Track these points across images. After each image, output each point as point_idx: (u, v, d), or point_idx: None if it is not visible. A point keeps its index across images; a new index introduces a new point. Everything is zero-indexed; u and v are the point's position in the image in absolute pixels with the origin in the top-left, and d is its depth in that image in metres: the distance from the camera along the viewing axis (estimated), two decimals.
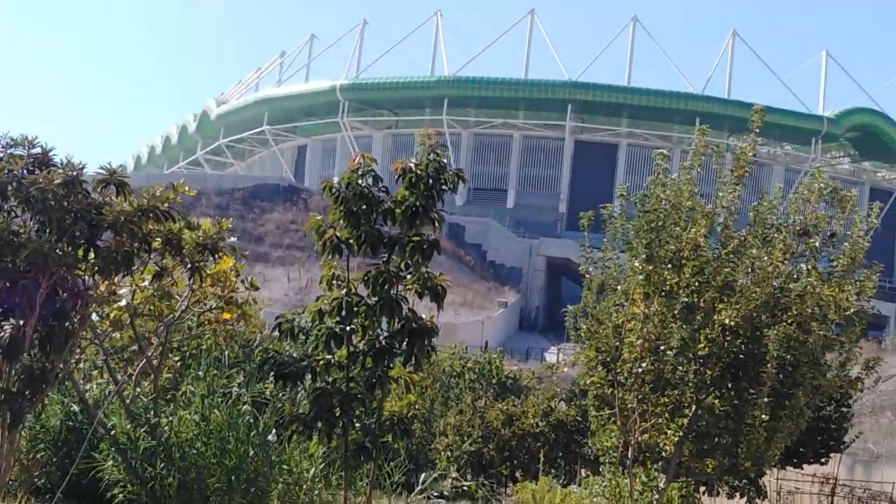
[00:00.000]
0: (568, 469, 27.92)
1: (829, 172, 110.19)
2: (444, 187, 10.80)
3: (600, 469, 18.13)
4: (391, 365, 10.86)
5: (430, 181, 10.68)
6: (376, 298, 10.61)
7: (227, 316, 15.43)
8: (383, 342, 10.74)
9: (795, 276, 14.16)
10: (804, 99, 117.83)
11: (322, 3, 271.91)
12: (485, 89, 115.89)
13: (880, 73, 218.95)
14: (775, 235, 14.14)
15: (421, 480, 16.33)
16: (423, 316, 10.85)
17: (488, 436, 28.08)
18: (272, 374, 11.05)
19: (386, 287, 10.59)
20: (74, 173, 10.08)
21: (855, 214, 14.61)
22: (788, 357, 13.41)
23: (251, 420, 13.85)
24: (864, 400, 48.17)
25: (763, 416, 13.38)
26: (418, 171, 10.66)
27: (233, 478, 13.43)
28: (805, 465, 26.06)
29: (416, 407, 11.63)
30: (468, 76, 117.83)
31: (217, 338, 16.48)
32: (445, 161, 10.88)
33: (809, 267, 14.19)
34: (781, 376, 13.41)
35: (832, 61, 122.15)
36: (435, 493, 19.04)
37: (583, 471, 26.02)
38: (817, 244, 14.32)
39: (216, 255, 13.31)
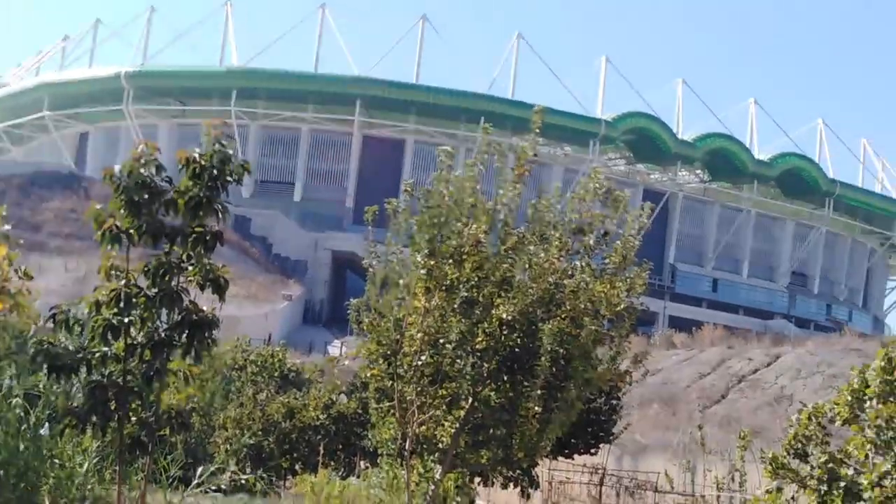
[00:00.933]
0: (348, 461, 28.09)
1: (606, 173, 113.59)
2: (228, 178, 10.73)
3: (378, 461, 18.35)
4: (170, 357, 10.74)
5: (215, 172, 10.61)
6: (156, 290, 10.48)
7: None
8: (162, 334, 10.61)
9: (570, 273, 14.63)
10: (584, 102, 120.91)
11: None
12: (274, 81, 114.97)
13: (656, 78, 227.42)
14: (552, 233, 14.57)
15: (198, 474, 16.18)
16: (205, 308, 10.78)
17: (269, 429, 27.98)
18: (45, 366, 10.77)
19: (166, 278, 10.47)
20: None
21: (627, 214, 15.21)
22: (561, 351, 13.85)
23: (22, 414, 13.47)
24: (633, 393, 49.98)
25: (536, 408, 13.78)
26: (202, 162, 10.57)
27: (1, 472, 13.04)
28: (576, 456, 26.88)
29: (195, 400, 11.56)
30: (257, 68, 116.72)
31: None
32: (231, 152, 10.82)
33: (583, 264, 14.69)
34: (554, 369, 13.84)
35: (611, 66, 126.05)
36: (213, 488, 18.87)
37: (362, 463, 26.23)
38: (591, 242, 14.84)
39: None
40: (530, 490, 25.97)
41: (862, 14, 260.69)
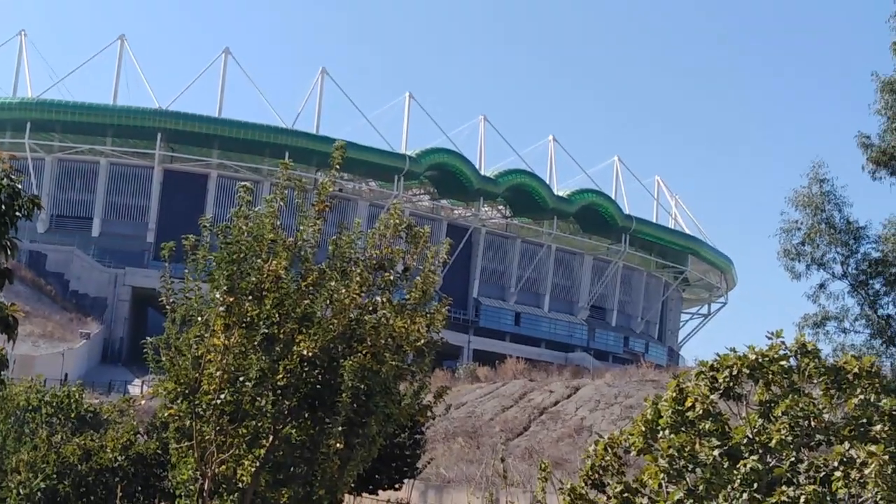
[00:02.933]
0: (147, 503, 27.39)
1: (411, 209, 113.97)
2: (18, 214, 10.40)
3: (177, 503, 17.93)
4: None
5: (3, 207, 10.26)
6: None
7: None
8: None
9: (371, 309, 14.68)
10: (389, 138, 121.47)
11: None
12: (70, 114, 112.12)
13: (459, 115, 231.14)
14: (353, 269, 14.59)
15: None
16: None
17: (64, 472, 27.06)
18: None
19: None
20: None
21: (428, 250, 15.36)
22: (363, 387, 13.87)
23: None
24: (437, 427, 50.37)
25: (337, 445, 13.74)
26: None
27: None
28: (380, 491, 26.93)
29: None
30: (53, 99, 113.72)
31: None
32: (20, 186, 10.49)
33: (384, 300, 14.76)
34: (356, 405, 13.83)
35: (415, 102, 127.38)
36: None
37: None
38: (392, 278, 14.92)
39: None
40: None
41: (654, 55, 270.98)
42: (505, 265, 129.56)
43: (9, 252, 10.39)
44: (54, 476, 26.77)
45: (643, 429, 12.74)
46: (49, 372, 58.47)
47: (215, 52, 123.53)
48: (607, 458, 12.79)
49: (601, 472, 12.76)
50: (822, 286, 33.83)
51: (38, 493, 26.16)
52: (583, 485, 12.68)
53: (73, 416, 33.01)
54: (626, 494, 11.96)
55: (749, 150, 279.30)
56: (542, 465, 21.88)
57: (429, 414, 16.37)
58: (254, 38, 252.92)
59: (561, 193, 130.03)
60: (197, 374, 14.08)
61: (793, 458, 11.68)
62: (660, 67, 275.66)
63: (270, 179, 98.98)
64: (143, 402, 33.87)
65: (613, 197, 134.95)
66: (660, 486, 11.96)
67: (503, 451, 26.66)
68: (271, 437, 14.06)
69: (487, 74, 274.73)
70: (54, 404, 33.25)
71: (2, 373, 10.54)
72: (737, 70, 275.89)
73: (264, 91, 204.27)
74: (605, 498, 12.35)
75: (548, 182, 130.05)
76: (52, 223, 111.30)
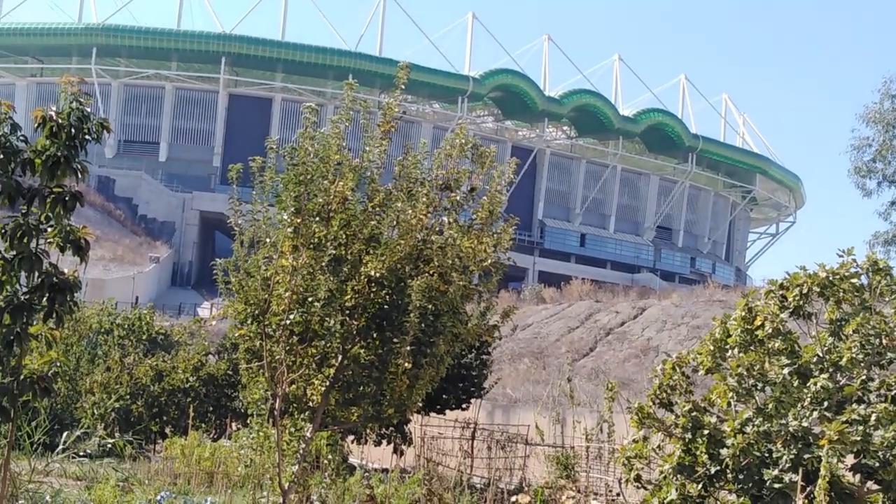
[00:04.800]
0: (219, 423, 27.91)
1: (475, 130, 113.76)
2: (87, 137, 10.46)
3: (249, 422, 18.23)
4: (31, 321, 10.48)
5: (73, 130, 10.32)
6: (14, 252, 10.20)
7: None
8: (22, 298, 10.35)
9: (438, 229, 14.66)
10: (452, 59, 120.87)
11: None
12: (135, 39, 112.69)
13: (523, 35, 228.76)
14: (419, 189, 14.56)
15: (63, 439, 15.88)
16: (68, 270, 10.53)
17: (137, 392, 27.66)
18: None
19: (24, 240, 10.19)
20: None
21: (494, 170, 15.28)
22: (430, 307, 13.89)
23: None
24: (503, 348, 50.58)
25: (406, 364, 13.80)
26: (59, 120, 10.28)
27: None
28: (448, 411, 27.16)
29: (59, 364, 11.27)
30: (118, 24, 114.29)
31: None
32: (89, 109, 10.54)
33: (451, 220, 14.73)
34: (423, 325, 13.87)
35: (478, 23, 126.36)
36: (80, 453, 18.59)
37: (234, 424, 26.09)
38: (459, 198, 14.87)
39: None
40: (403, 446, 26.16)
41: None
42: (570, 186, 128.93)
43: (79, 175, 10.46)
44: (128, 396, 27.37)
45: (712, 348, 12.69)
46: (120, 295, 59.49)
47: None
48: (675, 377, 12.75)
49: (669, 391, 12.73)
50: (893, 203, 33.35)
51: (112, 413, 26.77)
52: (650, 404, 12.67)
53: (144, 338, 33.66)
54: (694, 413, 11.92)
55: (819, 65, 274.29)
56: (609, 385, 21.97)
57: (495, 334, 16.40)
58: None
59: (627, 113, 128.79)
60: (266, 295, 14.16)
61: (864, 377, 11.58)
62: None
63: (334, 103, 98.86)
64: (213, 323, 34.36)
65: (680, 116, 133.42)
66: (729, 404, 11.93)
67: (569, 371, 26.70)
68: (340, 357, 14.17)
69: None
70: (126, 327, 33.91)
71: (75, 295, 10.65)
72: None
73: (327, 13, 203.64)
74: (673, 417, 12.33)
75: (613, 102, 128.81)
76: (119, 148, 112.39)
